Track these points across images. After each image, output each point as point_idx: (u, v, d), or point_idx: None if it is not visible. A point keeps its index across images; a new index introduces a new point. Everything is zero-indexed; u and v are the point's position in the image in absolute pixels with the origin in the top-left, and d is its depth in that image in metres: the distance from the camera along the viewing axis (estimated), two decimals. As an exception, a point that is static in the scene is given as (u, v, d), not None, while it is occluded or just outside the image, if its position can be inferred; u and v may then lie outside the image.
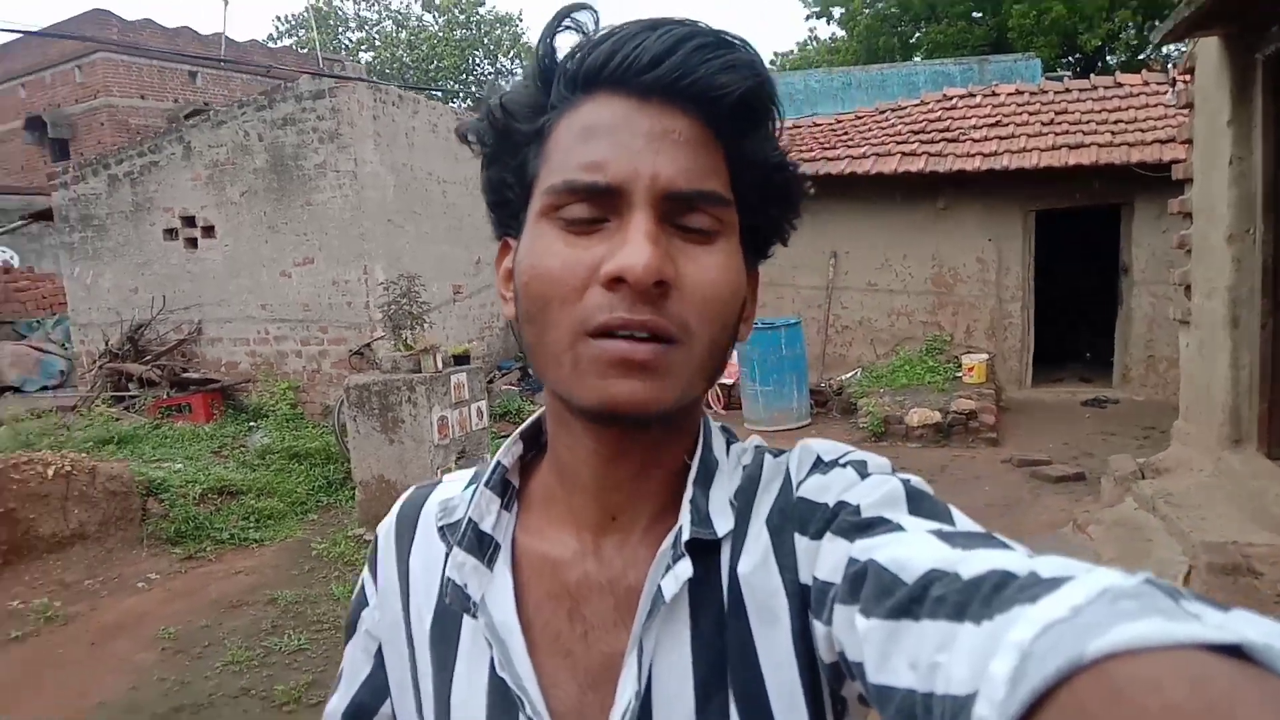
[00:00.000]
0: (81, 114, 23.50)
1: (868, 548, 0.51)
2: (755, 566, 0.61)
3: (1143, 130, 9.11)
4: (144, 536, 6.02)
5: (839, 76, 15.83)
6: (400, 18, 36.50)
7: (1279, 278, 4.58)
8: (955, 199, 9.67)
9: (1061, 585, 0.36)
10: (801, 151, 10.33)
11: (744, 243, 0.62)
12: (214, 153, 8.66)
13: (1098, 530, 4.60)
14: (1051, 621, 0.34)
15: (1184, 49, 5.80)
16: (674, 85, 0.56)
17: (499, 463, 0.69)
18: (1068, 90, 10.78)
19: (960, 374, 9.02)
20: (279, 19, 46.06)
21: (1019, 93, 10.97)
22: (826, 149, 10.34)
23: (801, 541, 0.59)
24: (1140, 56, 19.64)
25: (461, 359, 6.47)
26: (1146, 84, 10.28)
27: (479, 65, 34.87)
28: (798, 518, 0.60)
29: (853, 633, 0.49)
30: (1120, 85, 10.51)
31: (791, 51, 31.10)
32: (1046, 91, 10.87)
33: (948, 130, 10.13)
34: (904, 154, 9.73)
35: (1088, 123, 9.62)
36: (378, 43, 35.94)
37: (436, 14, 35.62)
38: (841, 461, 0.62)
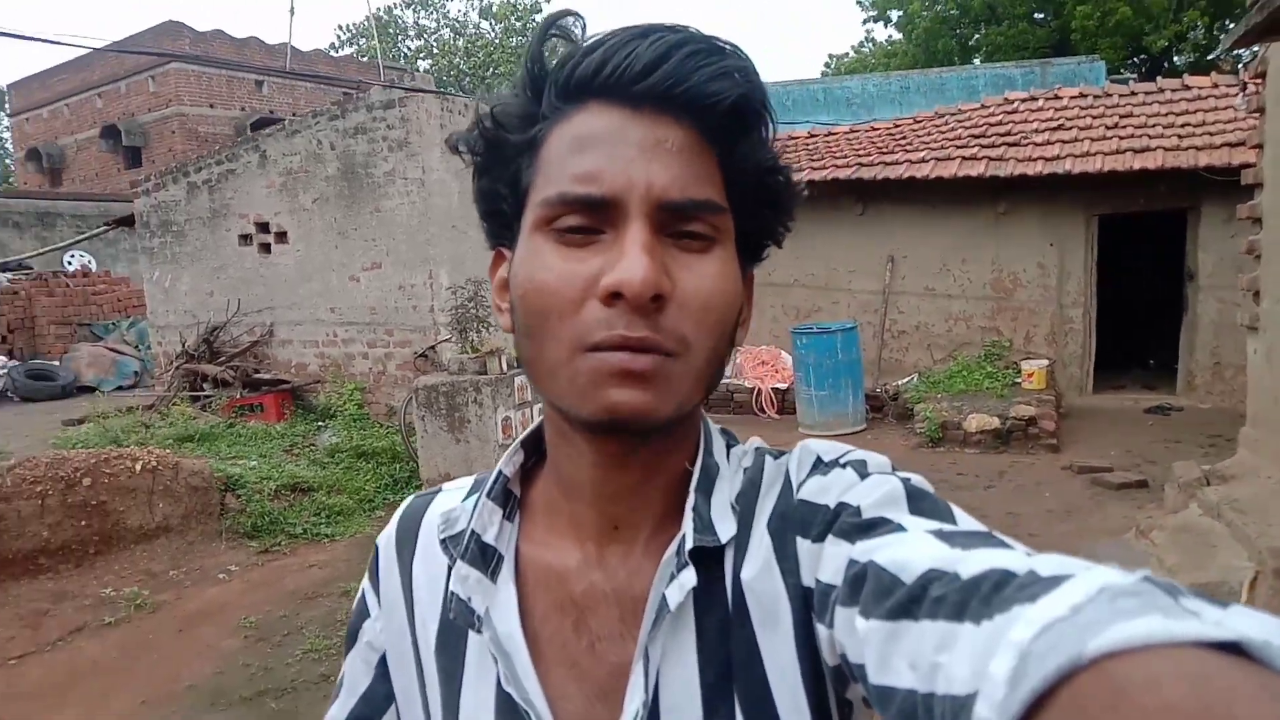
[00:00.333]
0: (154, 122, 24.35)
1: (868, 549, 0.51)
2: (758, 572, 0.61)
3: (1211, 133, 8.95)
4: (223, 530, 6.28)
5: (897, 80, 15.76)
6: (458, 25, 37.15)
7: (1352, 284, 4.53)
8: (1015, 203, 9.59)
9: (1060, 584, 0.37)
10: (859, 156, 10.34)
11: (739, 247, 0.62)
12: (288, 161, 8.99)
13: (1160, 536, 4.58)
14: (1051, 621, 0.34)
15: (1256, 50, 5.73)
16: (666, 94, 0.56)
17: (500, 472, 0.69)
18: (1133, 93, 10.62)
19: (1019, 380, 8.94)
20: (340, 28, 47.16)
21: (1082, 96, 10.84)
22: (884, 153, 10.32)
23: (803, 545, 0.59)
24: (1210, 57, 19.17)
25: (525, 361, 6.64)
26: (1215, 86, 10.07)
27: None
28: (799, 521, 0.60)
29: (853, 634, 0.49)
30: (1188, 88, 10.31)
31: (847, 54, 30.92)
32: (1111, 94, 10.73)
33: (1008, 134, 10.06)
34: (963, 158, 9.68)
35: (1153, 126, 9.48)
36: (435, 51, 36.62)
37: (493, 21, 36.18)
38: (841, 462, 0.62)
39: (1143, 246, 10.57)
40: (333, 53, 32.63)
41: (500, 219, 0.64)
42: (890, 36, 26.99)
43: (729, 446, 0.69)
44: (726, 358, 0.62)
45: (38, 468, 5.49)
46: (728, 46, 0.58)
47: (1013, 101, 11.07)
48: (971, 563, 0.44)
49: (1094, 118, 10.04)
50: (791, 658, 0.59)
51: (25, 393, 13.09)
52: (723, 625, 0.61)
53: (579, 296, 0.56)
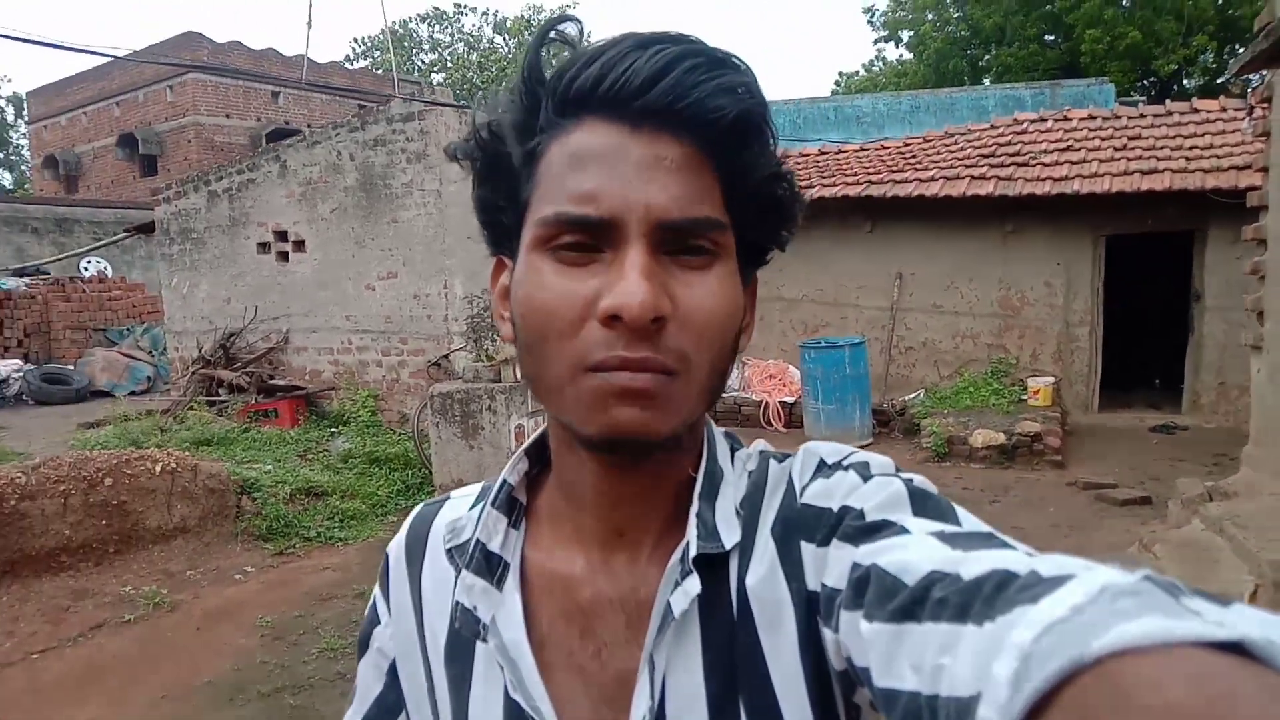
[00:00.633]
0: (170, 131, 24.61)
1: (871, 552, 0.51)
2: (762, 577, 0.61)
3: (1218, 156, 9.05)
4: (238, 532, 6.39)
5: (907, 99, 15.92)
6: (472, 40, 37.54)
7: (1353, 306, 4.62)
8: (1023, 223, 9.70)
9: (1062, 584, 0.37)
10: (869, 174, 10.46)
11: (740, 256, 0.61)
12: (308, 171, 9.15)
13: (1163, 550, 4.65)
14: (1052, 621, 0.34)
15: (1265, 75, 5.84)
16: (666, 110, 0.55)
17: (505, 481, 0.69)
18: (1142, 116, 10.74)
19: (1025, 397, 9.02)
20: (356, 40, 47.61)
21: (1091, 118, 10.96)
22: (894, 172, 10.45)
23: (808, 549, 0.59)
24: (1219, 81, 19.31)
25: (538, 371, 6.76)
26: (1224, 109, 10.19)
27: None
28: (803, 525, 0.60)
29: (858, 638, 0.49)
30: (1196, 111, 10.43)
31: (858, 72, 31.13)
32: (1120, 117, 10.85)
33: (1017, 154, 10.17)
34: (972, 177, 9.79)
35: (1162, 148, 9.58)
36: (449, 64, 36.99)
37: (507, 36, 36.55)
38: (844, 464, 0.62)
39: (1150, 267, 10.66)
40: (348, 65, 32.99)
41: (500, 229, 0.64)
42: (901, 56, 27.22)
43: (733, 451, 0.69)
44: (728, 370, 0.62)
45: (61, 467, 5.61)
46: (729, 59, 0.57)
47: (1022, 122, 11.19)
48: (973, 564, 0.44)
49: (1102, 139, 10.15)
50: (796, 663, 0.59)
51: (40, 396, 13.26)
52: (728, 631, 0.61)
53: (579, 317, 0.56)
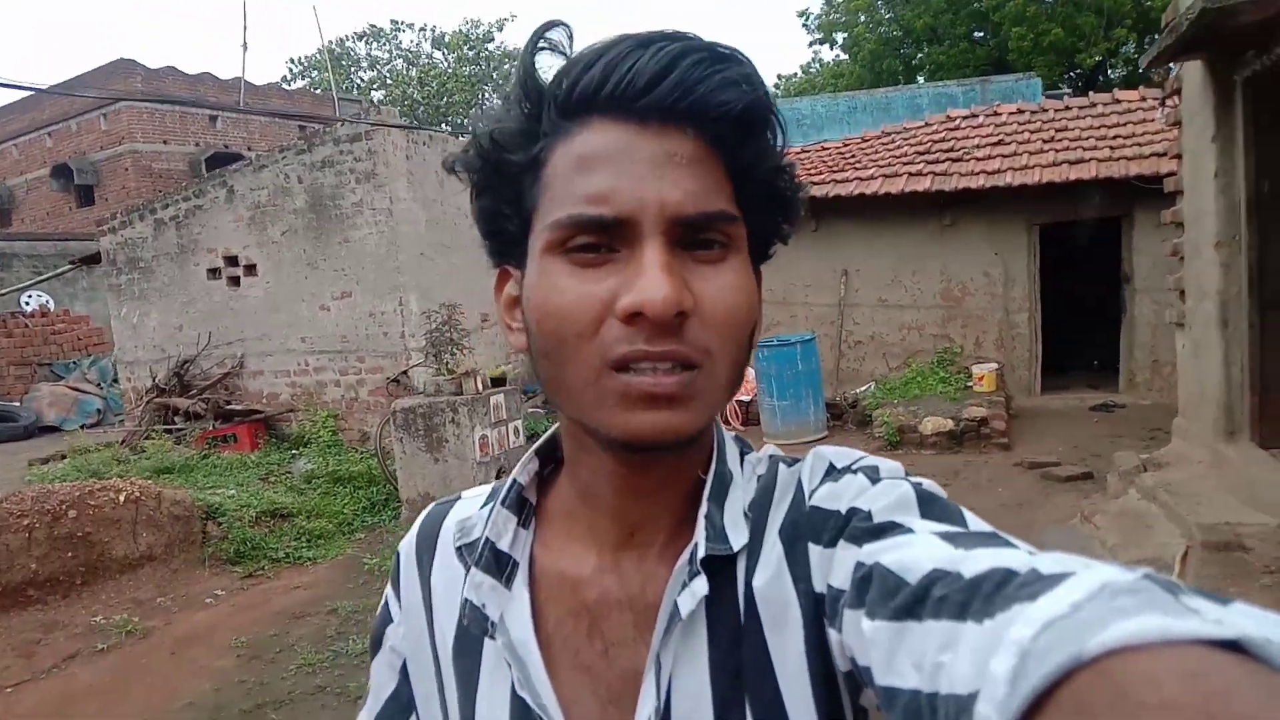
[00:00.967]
0: (106, 160, 24.11)
1: (874, 551, 0.51)
2: (769, 579, 0.61)
3: (1140, 144, 9.46)
4: (205, 557, 6.40)
5: (844, 101, 16.30)
6: (410, 56, 37.34)
7: (1264, 280, 4.93)
8: (961, 216, 10.04)
9: (1061, 582, 0.37)
10: (811, 175, 10.74)
11: (750, 250, 0.62)
12: (255, 195, 9.16)
13: (1103, 520, 4.93)
14: (1051, 619, 0.34)
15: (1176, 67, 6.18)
16: (673, 106, 0.55)
17: (515, 481, 0.70)
18: (1068, 108, 11.18)
19: (970, 384, 9.34)
20: (293, 61, 47.04)
21: (1020, 111, 11.38)
22: (835, 172, 10.75)
23: (815, 551, 0.59)
24: (1141, 71, 20.04)
25: (499, 381, 6.88)
26: (1144, 99, 10.64)
27: (488, 100, 35.60)
28: (811, 527, 0.60)
29: (860, 636, 0.49)
30: (1118, 101, 10.90)
31: (795, 74, 31.66)
32: (1047, 110, 11.28)
33: (951, 150, 10.54)
34: (910, 174, 10.13)
35: (1088, 139, 9.99)
36: (389, 81, 36.77)
37: (446, 51, 36.46)
38: (854, 468, 0.62)
39: (1082, 253, 11.08)
40: (286, 86, 32.66)
41: (504, 238, 0.64)
42: (837, 57, 27.77)
43: (743, 454, 0.69)
44: (746, 363, 0.62)
45: (24, 501, 5.60)
46: (731, 53, 0.57)
47: (955, 119, 11.57)
48: (974, 562, 0.44)
49: (1031, 132, 10.55)
50: (801, 664, 0.59)
51: (-13, 435, 13.00)
52: (734, 633, 0.61)
53: (597, 317, 0.56)
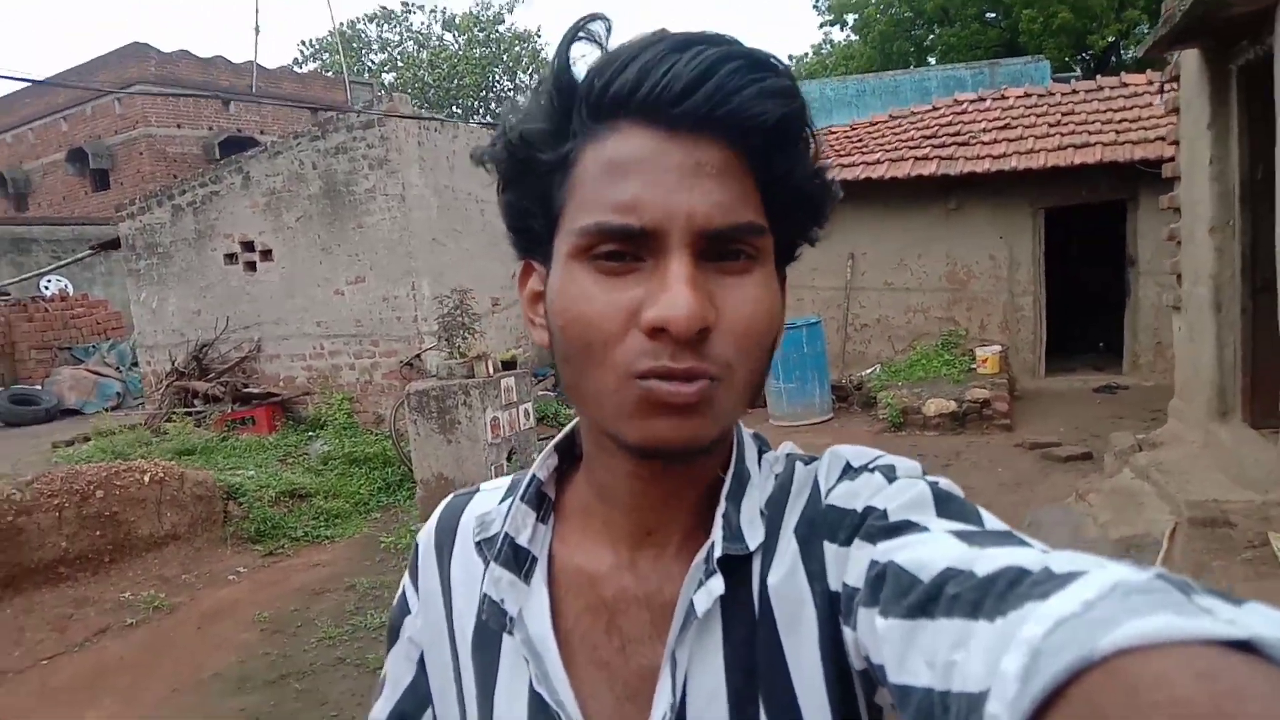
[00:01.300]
0: (121, 144, 24.30)
1: (889, 549, 0.51)
2: (784, 577, 0.61)
3: (1145, 128, 9.50)
4: (227, 536, 6.61)
5: (853, 84, 16.34)
6: (421, 38, 37.42)
7: (1256, 265, 5.03)
8: (966, 199, 10.13)
9: (1073, 581, 0.37)
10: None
11: (777, 256, 0.61)
12: (271, 181, 9.33)
13: (1096, 498, 5.07)
14: (1063, 617, 0.34)
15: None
16: (707, 116, 0.54)
17: (534, 476, 0.70)
18: (1074, 92, 11.22)
19: (974, 366, 9.46)
20: (304, 43, 47.13)
21: (1027, 95, 11.43)
22: (842, 156, 10.84)
23: (831, 549, 0.59)
24: (1139, 58, 19.95)
25: (510, 364, 7.04)
26: (1151, 83, 10.61)
27: (499, 82, 35.68)
28: (827, 525, 0.60)
29: (874, 634, 0.49)
30: (1125, 85, 10.92)
31: (806, 55, 31.57)
32: (1054, 94, 11.32)
33: (958, 134, 10.61)
34: (916, 158, 10.21)
35: (1093, 123, 10.05)
36: (400, 63, 36.87)
37: (456, 33, 36.50)
38: (870, 467, 0.62)
39: (1088, 236, 11.15)
40: (297, 68, 32.78)
41: (530, 234, 0.63)
42: (848, 38, 27.66)
43: (760, 452, 0.69)
44: (767, 370, 0.61)
45: (54, 482, 5.81)
46: (769, 60, 0.56)
47: (962, 103, 11.63)
48: (987, 561, 0.44)
49: (1038, 116, 10.61)
50: (815, 663, 0.59)
51: (9, 418, 13.27)
52: (749, 631, 0.61)
53: (622, 328, 0.55)
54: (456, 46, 36.14)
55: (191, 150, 24.20)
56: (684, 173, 0.55)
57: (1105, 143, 9.48)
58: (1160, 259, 9.19)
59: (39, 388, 14.37)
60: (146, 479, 6.21)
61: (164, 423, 9.32)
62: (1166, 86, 6.44)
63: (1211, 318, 5.24)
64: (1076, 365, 10.74)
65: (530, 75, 35.55)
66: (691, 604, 0.60)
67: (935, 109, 11.71)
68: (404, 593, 0.77)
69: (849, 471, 0.63)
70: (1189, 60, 5.49)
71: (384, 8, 37.40)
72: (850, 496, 0.60)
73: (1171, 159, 6.24)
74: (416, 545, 0.77)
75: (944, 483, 0.58)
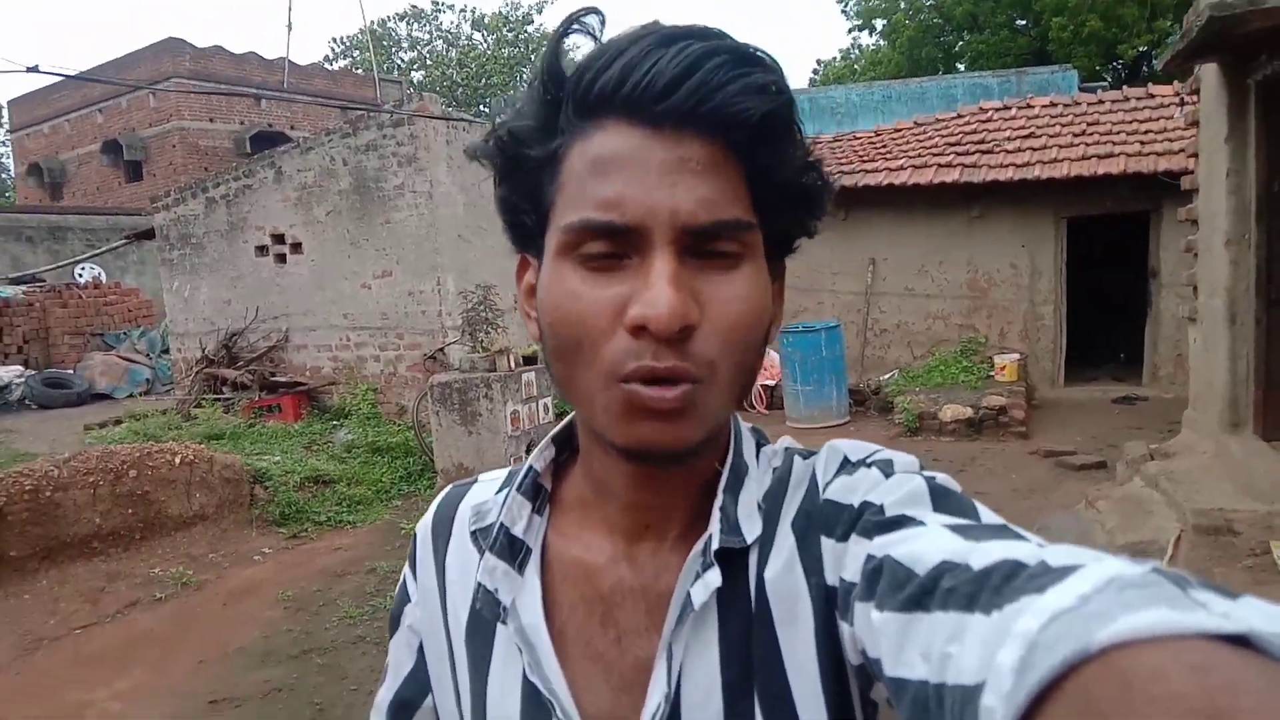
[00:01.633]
0: (154, 137, 24.71)
1: (885, 544, 0.51)
2: (781, 571, 0.61)
3: (1170, 140, 9.47)
4: (253, 518, 6.80)
5: (879, 90, 16.39)
6: (450, 37, 37.76)
7: (1271, 278, 5.09)
8: (989, 207, 10.17)
9: (1069, 575, 0.37)
10: (841, 165, 10.90)
11: (769, 249, 0.61)
12: (302, 176, 9.54)
13: (1105, 505, 5.14)
14: (1058, 611, 0.34)
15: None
16: (690, 112, 0.54)
17: (531, 467, 0.70)
18: (1100, 102, 11.23)
19: (993, 374, 9.51)
20: (335, 40, 47.68)
21: (1052, 105, 11.43)
22: (865, 162, 10.91)
23: (828, 544, 0.59)
24: (1159, 71, 19.83)
25: (531, 359, 7.19)
26: (1176, 94, 10.63)
27: (522, 83, 35.85)
28: (824, 520, 0.60)
29: (870, 628, 0.49)
30: (1152, 96, 10.89)
31: (835, 59, 31.58)
32: (1080, 103, 11.33)
33: (982, 142, 10.64)
34: (939, 165, 10.26)
35: (1118, 133, 10.05)
36: (429, 62, 37.23)
37: (486, 33, 36.82)
38: (868, 461, 0.62)
39: (1111, 246, 11.15)
40: (328, 65, 33.20)
41: (523, 230, 0.64)
42: (876, 43, 27.66)
43: (759, 446, 0.69)
44: (758, 366, 0.61)
45: (89, 460, 6.01)
46: (755, 55, 0.56)
47: (987, 111, 11.66)
48: (983, 554, 0.44)
49: (1063, 126, 10.63)
50: (811, 657, 0.59)
51: (42, 400, 13.58)
52: (745, 624, 0.61)
53: (608, 326, 0.56)
54: (485, 46, 36.47)
55: (223, 144, 24.58)
56: (667, 170, 0.55)
57: (1129, 154, 9.50)
58: (1182, 271, 9.22)
59: (71, 372, 14.67)
60: (177, 461, 6.41)
61: (193, 408, 9.55)
62: (1187, 99, 6.48)
63: (1225, 330, 5.29)
64: (1097, 375, 10.76)
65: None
66: (688, 596, 0.60)
67: (960, 116, 11.75)
68: (404, 582, 0.77)
69: (846, 466, 0.63)
70: (1208, 74, 5.55)
71: (414, 6, 37.78)
72: (847, 491, 0.60)
73: (1192, 172, 6.29)
74: (415, 535, 0.77)
75: (941, 477, 0.58)
